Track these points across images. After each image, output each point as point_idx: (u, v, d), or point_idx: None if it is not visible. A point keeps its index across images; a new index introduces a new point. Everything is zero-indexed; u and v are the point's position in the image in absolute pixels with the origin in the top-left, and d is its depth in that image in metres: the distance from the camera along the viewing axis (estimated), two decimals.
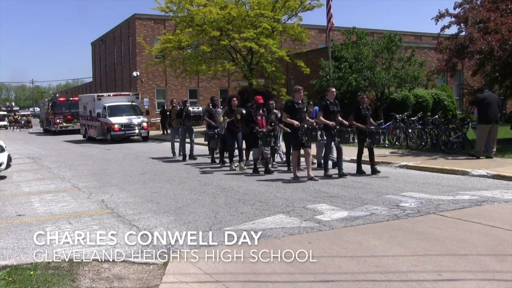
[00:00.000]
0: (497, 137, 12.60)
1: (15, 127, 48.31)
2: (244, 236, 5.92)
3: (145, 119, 25.87)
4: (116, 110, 25.27)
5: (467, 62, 17.80)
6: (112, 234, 6.30)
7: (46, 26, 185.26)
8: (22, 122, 51.25)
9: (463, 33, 15.28)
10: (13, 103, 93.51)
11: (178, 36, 26.11)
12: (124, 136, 24.61)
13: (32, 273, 4.58)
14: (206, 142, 14.73)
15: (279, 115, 11.51)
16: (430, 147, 14.25)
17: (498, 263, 4.61)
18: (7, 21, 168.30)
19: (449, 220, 6.34)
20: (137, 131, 24.76)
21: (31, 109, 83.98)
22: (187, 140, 15.50)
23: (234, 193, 8.95)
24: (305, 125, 10.00)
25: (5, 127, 55.43)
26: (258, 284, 4.35)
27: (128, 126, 24.69)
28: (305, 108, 10.52)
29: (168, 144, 22.66)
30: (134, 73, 35.65)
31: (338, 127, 10.37)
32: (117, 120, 24.66)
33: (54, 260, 5.01)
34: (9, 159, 12.35)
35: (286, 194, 8.59)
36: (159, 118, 30.21)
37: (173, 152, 15.97)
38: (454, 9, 15.85)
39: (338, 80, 22.49)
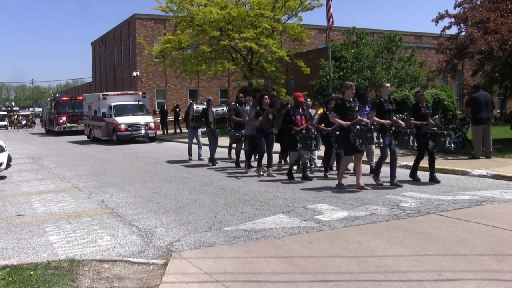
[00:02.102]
0: (497, 137, 12.61)
1: (16, 127, 48.09)
2: (244, 236, 5.94)
3: (152, 119, 24.99)
4: (122, 110, 24.26)
5: (467, 62, 17.81)
6: (112, 234, 6.31)
7: (46, 26, 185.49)
8: (23, 122, 51.18)
9: (463, 33, 15.29)
10: (13, 103, 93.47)
11: (178, 37, 26.13)
12: (131, 137, 23.64)
13: (32, 273, 4.58)
14: (228, 144, 14.04)
15: (312, 113, 10.95)
16: None
17: (498, 263, 4.61)
18: (7, 21, 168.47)
19: (449, 220, 6.35)
20: (143, 131, 23.69)
21: (31, 109, 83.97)
22: (192, 141, 14.83)
23: (234, 193, 8.95)
24: (358, 126, 8.76)
25: (5, 127, 55.41)
26: (258, 284, 4.35)
27: (135, 126, 23.61)
28: (357, 107, 9.29)
29: (169, 144, 22.78)
30: (134, 73, 35.64)
31: (393, 128, 9.16)
32: (123, 120, 23.57)
33: (54, 260, 5.00)
34: (9, 159, 12.35)
35: (286, 194, 8.59)
36: (159, 118, 30.19)
37: (189, 155, 14.99)
38: (454, 8, 15.87)
39: (338, 80, 22.48)
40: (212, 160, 13.53)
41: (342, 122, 8.84)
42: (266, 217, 6.85)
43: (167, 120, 30.45)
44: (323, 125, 10.48)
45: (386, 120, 9.00)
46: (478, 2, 15.56)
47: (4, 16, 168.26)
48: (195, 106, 13.89)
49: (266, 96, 11.26)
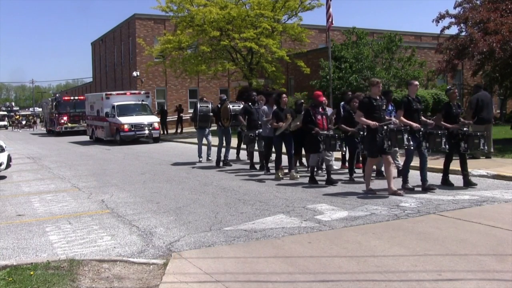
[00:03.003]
0: (497, 137, 12.59)
1: (16, 127, 47.94)
2: (244, 236, 5.94)
3: (156, 119, 24.55)
4: (125, 110, 23.77)
5: (467, 62, 17.80)
6: (112, 234, 6.31)
7: (46, 26, 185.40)
8: (24, 122, 51.13)
9: (463, 34, 15.30)
10: (13, 103, 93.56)
11: (178, 37, 26.13)
12: (135, 137, 23.12)
13: (32, 273, 4.58)
14: (236, 145, 13.69)
15: (329, 112, 10.43)
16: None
17: (498, 263, 4.61)
18: (7, 21, 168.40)
19: (449, 220, 6.34)
20: (147, 131, 23.18)
21: (31, 109, 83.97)
22: (202, 141, 14.22)
23: (234, 193, 8.95)
24: (385, 126, 8.13)
25: (5, 127, 55.41)
26: (258, 284, 4.35)
27: (139, 127, 23.09)
28: (384, 106, 8.61)
29: (169, 144, 22.76)
30: (134, 73, 35.65)
31: (422, 128, 8.47)
32: (127, 120, 23.06)
33: (54, 260, 5.00)
34: (9, 159, 12.35)
35: (286, 194, 8.59)
36: (159, 118, 30.15)
37: (199, 156, 14.18)
38: (454, 8, 15.87)
39: (338, 80, 22.51)
40: (226, 161, 12.99)
41: (370, 122, 8.08)
42: (266, 217, 6.85)
43: (167, 120, 30.45)
44: (344, 125, 9.93)
45: (414, 121, 8.34)
46: (478, 2, 15.56)
47: (4, 16, 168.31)
48: (199, 105, 13.44)
49: (285, 95, 10.59)
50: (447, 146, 8.54)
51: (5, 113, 66.02)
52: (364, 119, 8.21)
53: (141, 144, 22.88)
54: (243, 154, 13.92)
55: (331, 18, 17.96)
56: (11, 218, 7.52)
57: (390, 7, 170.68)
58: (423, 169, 8.50)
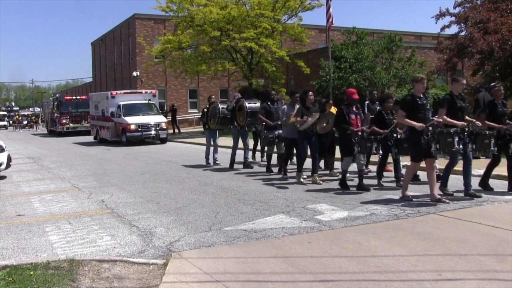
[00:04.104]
0: None
1: (17, 127, 47.77)
2: (244, 236, 5.94)
3: (164, 119, 23.59)
4: (132, 109, 22.97)
5: (467, 62, 17.82)
6: (112, 234, 6.31)
7: (46, 26, 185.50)
8: (25, 122, 51.04)
9: (463, 33, 15.32)
10: (13, 103, 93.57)
11: (178, 37, 26.16)
12: (141, 138, 22.31)
13: (32, 273, 4.58)
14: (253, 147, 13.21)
15: (363, 114, 9.60)
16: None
17: (498, 263, 4.61)
18: (7, 21, 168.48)
19: (449, 220, 6.34)
20: (154, 132, 22.34)
21: (31, 109, 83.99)
22: (210, 143, 13.47)
23: (234, 193, 8.95)
24: (431, 128, 7.49)
25: (5, 127, 55.37)
26: (258, 284, 4.35)
27: (145, 127, 22.25)
28: (428, 104, 7.87)
29: (169, 144, 22.73)
30: (134, 73, 35.66)
31: (466, 129, 7.79)
32: (133, 120, 22.27)
33: (54, 260, 5.00)
34: (9, 159, 12.35)
35: (286, 194, 8.59)
36: (170, 117, 30.20)
37: (207, 158, 13.40)
38: (454, 8, 15.91)
39: (338, 80, 22.51)
40: (246, 163, 12.26)
41: (415, 123, 7.29)
42: (266, 217, 6.84)
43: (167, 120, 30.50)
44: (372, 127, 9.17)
45: (459, 121, 7.53)
46: (478, 2, 15.58)
47: (4, 16, 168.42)
48: (220, 106, 12.38)
49: (311, 93, 9.79)
50: (495, 148, 7.78)
51: (5, 113, 65.99)
52: (408, 120, 7.40)
53: (147, 145, 22.16)
54: (258, 156, 13.61)
55: (331, 18, 17.96)
56: (11, 218, 7.51)
57: (390, 7, 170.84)
58: (467, 173, 7.79)
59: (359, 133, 8.62)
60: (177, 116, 31.37)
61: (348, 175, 9.15)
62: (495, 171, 8.75)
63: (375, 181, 9.27)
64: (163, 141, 22.80)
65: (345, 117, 8.81)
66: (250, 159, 12.79)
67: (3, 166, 11.93)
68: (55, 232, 6.55)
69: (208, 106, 13.35)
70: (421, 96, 7.62)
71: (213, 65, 26.98)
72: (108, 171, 13.07)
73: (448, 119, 7.54)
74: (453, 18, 15.28)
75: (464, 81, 8.03)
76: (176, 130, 29.97)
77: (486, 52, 13.60)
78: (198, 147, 20.03)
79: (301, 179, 9.72)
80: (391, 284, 4.18)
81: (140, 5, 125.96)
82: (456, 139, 7.29)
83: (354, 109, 9.02)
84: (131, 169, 13.20)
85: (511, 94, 18.73)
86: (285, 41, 30.13)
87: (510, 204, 7.28)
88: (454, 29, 22.54)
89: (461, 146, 7.44)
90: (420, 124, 7.28)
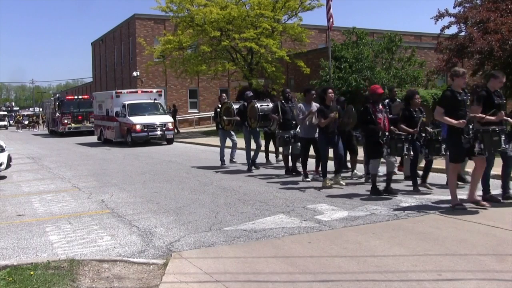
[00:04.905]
0: None
1: (18, 128, 47.56)
2: (244, 236, 5.94)
3: (170, 119, 22.92)
4: (137, 109, 22.36)
5: (467, 62, 17.83)
6: (112, 234, 6.31)
7: (46, 26, 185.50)
8: (26, 122, 50.95)
9: (463, 33, 15.32)
10: (13, 103, 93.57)
11: (179, 37, 26.16)
12: (147, 138, 21.70)
13: (32, 273, 4.58)
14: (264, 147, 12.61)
15: (384, 109, 8.80)
16: None
17: (498, 263, 4.61)
18: (7, 21, 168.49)
19: (449, 220, 6.34)
20: (160, 132, 21.75)
21: (31, 109, 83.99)
22: (225, 143, 13.17)
23: (234, 193, 8.95)
24: (470, 126, 6.90)
25: (5, 127, 55.33)
26: (258, 284, 4.35)
27: (151, 127, 21.64)
28: (468, 101, 7.20)
29: (170, 144, 22.73)
30: (134, 73, 35.66)
31: (504, 127, 7.11)
32: (139, 120, 21.64)
33: (54, 260, 5.00)
34: (9, 159, 12.35)
35: (286, 194, 8.59)
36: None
37: (222, 160, 13.03)
38: (454, 7, 15.91)
39: (338, 80, 22.51)
40: (254, 164, 11.86)
41: (454, 121, 6.74)
42: (266, 217, 6.85)
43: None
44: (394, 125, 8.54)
45: (496, 117, 6.89)
46: (478, 2, 15.59)
47: (4, 16, 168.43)
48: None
49: (330, 90, 9.31)
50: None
51: (5, 113, 65.98)
52: (447, 117, 6.81)
53: (153, 146, 21.56)
54: (272, 157, 13.19)
55: (332, 18, 17.96)
56: (11, 218, 7.51)
57: (390, 7, 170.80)
58: (506, 174, 7.30)
59: (387, 133, 8.10)
60: (177, 117, 31.36)
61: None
62: (495, 171, 8.73)
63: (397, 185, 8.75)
64: (169, 141, 22.21)
65: (371, 116, 8.15)
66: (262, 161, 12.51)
67: (3, 166, 11.93)
68: (55, 232, 6.55)
69: (220, 105, 13.03)
70: (461, 91, 7.03)
71: (213, 65, 26.98)
72: (108, 171, 13.07)
73: (486, 116, 6.86)
74: (452, 19, 15.30)
75: (504, 79, 7.41)
76: (175, 130, 29.99)
77: (486, 52, 13.60)
78: (198, 147, 20.06)
79: (328, 183, 9.02)
80: (391, 284, 4.18)
81: (140, 5, 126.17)
82: (503, 138, 6.75)
83: (381, 107, 8.40)
84: (131, 169, 13.21)
85: (511, 94, 18.73)
86: (285, 41, 30.14)
87: (510, 204, 7.27)
88: (453, 30, 22.58)
89: (508, 146, 6.92)
90: (461, 120, 6.72)
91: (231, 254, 5.22)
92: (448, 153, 7.78)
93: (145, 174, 12.14)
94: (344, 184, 9.08)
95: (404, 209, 7.09)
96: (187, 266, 4.83)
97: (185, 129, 33.33)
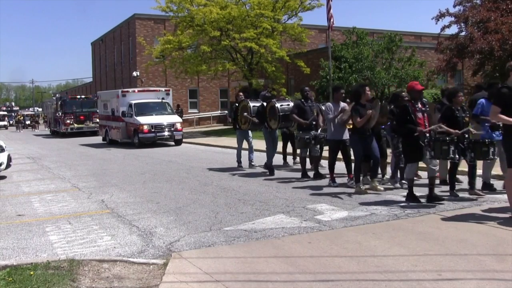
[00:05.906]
0: None
1: (19, 128, 47.41)
2: (244, 236, 5.94)
3: (179, 119, 22.16)
4: (144, 108, 21.54)
5: (467, 62, 17.84)
6: (112, 234, 6.31)
7: (46, 26, 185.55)
8: (27, 122, 50.84)
9: (463, 33, 15.33)
10: (13, 103, 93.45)
11: (179, 37, 26.17)
12: (155, 139, 20.90)
13: (32, 273, 4.58)
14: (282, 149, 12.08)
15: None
16: None
17: (498, 263, 4.61)
18: (7, 21, 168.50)
19: (449, 220, 6.34)
20: (167, 133, 20.98)
21: (30, 109, 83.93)
22: (242, 144, 12.63)
23: (234, 193, 8.95)
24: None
25: (5, 127, 55.28)
26: (258, 284, 4.35)
27: (159, 127, 20.85)
28: None
29: (169, 144, 22.72)
30: (134, 73, 35.66)
31: None
32: (146, 120, 20.84)
33: (54, 260, 5.00)
34: (9, 159, 12.35)
35: (286, 194, 8.58)
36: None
37: (239, 162, 12.56)
38: (454, 6, 15.91)
39: (338, 80, 22.51)
40: (270, 167, 11.14)
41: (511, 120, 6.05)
42: (266, 217, 6.84)
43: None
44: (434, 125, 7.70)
45: None
46: (478, 1, 15.59)
47: (4, 16, 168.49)
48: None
49: (368, 88, 8.61)
50: None
51: (5, 113, 65.91)
52: (504, 116, 6.08)
53: (161, 147, 20.62)
54: (290, 159, 12.68)
55: (332, 18, 17.97)
56: (11, 218, 7.51)
57: (390, 7, 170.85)
58: None
59: (427, 135, 7.43)
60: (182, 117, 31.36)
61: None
62: (495, 171, 8.74)
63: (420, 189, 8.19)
64: (178, 142, 21.40)
65: (411, 116, 7.38)
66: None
67: (3, 166, 11.93)
68: (55, 232, 6.55)
69: (237, 103, 12.36)
70: None
71: (213, 65, 26.99)
72: (108, 171, 13.07)
73: (504, 118, 6.14)
74: (453, 18, 15.31)
75: None
76: None
77: (486, 52, 13.62)
78: (198, 147, 20.05)
79: (363, 188, 8.37)
80: (391, 284, 4.18)
81: (140, 5, 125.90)
82: None
83: (420, 105, 7.62)
84: (131, 169, 13.21)
85: None
86: (285, 41, 30.15)
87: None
88: (454, 29, 22.59)
89: None
90: None
91: (231, 254, 5.22)
92: (500, 158, 7.22)
93: (145, 174, 12.14)
94: (382, 189, 8.45)
95: (404, 209, 7.09)
96: (187, 266, 4.83)
97: (185, 129, 33.21)
